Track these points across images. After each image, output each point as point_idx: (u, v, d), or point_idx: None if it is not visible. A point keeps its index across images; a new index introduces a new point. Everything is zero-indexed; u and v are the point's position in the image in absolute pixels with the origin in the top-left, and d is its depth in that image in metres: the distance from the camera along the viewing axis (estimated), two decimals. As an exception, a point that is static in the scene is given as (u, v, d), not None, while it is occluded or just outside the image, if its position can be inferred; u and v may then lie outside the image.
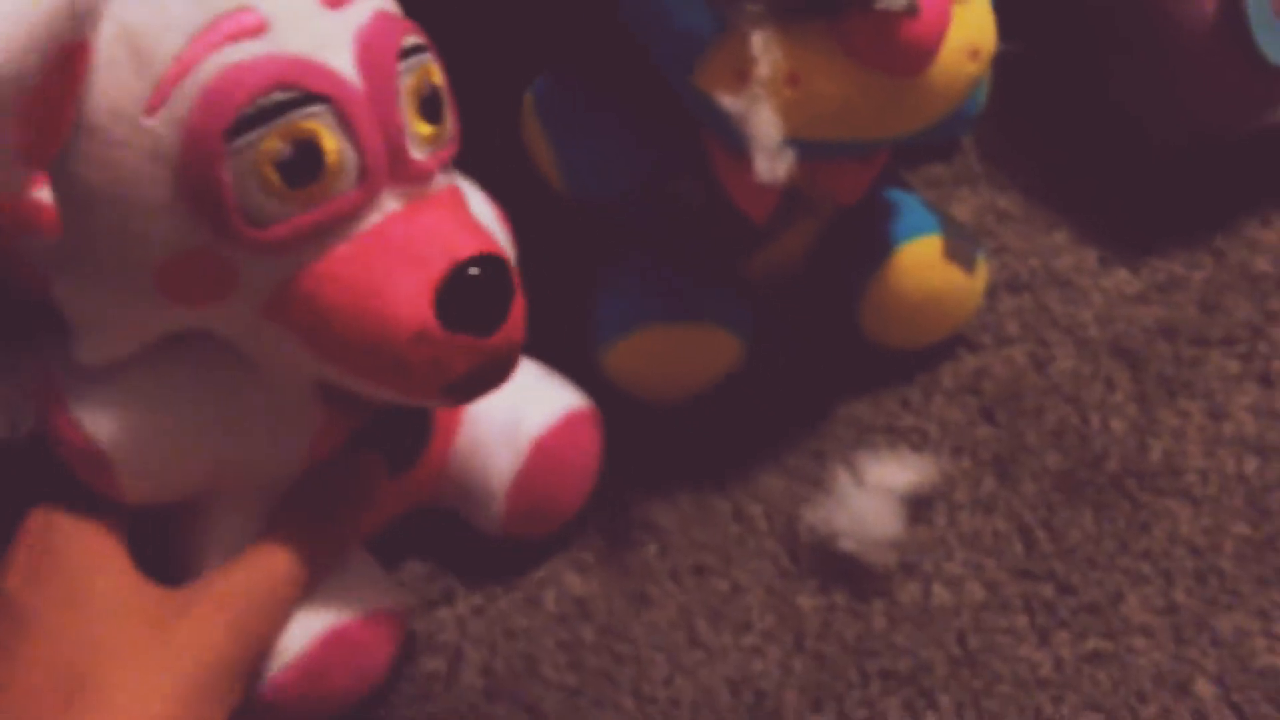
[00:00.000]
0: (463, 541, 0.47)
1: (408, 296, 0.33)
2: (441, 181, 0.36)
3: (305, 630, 0.39)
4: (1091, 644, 0.45)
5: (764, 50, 0.40)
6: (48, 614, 0.35)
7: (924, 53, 0.40)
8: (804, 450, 0.50)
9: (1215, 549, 0.47)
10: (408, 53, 0.34)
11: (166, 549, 0.40)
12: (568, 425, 0.45)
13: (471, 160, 0.40)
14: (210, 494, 0.39)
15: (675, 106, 0.43)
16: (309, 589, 0.39)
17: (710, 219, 0.48)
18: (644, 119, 0.46)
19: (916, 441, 0.50)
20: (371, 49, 0.33)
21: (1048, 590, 0.46)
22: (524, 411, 0.45)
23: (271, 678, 0.39)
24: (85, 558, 0.37)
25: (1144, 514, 0.48)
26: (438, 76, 0.36)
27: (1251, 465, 0.49)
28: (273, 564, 0.38)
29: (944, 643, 0.45)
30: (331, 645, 0.40)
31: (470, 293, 0.33)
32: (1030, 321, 0.54)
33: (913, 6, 0.39)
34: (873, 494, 0.47)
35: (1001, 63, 0.45)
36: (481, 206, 0.44)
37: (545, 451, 0.45)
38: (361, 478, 0.41)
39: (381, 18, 0.34)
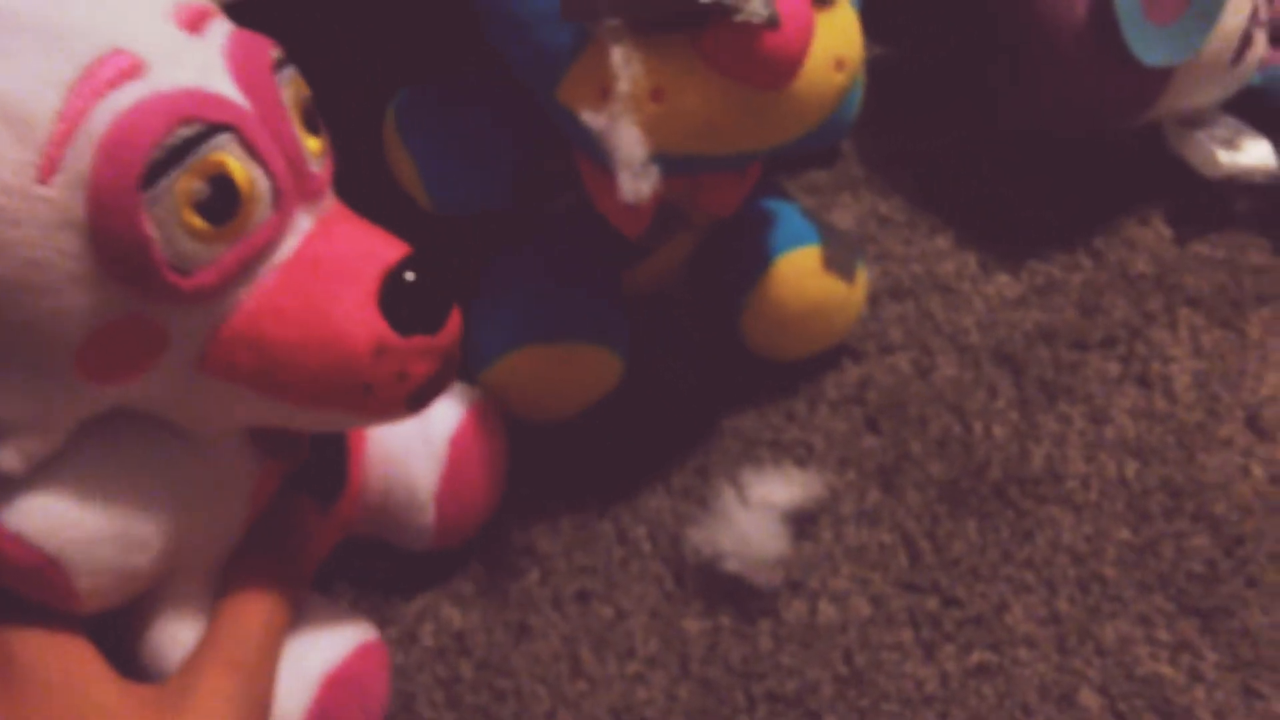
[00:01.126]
0: (336, 578, 0.45)
1: (354, 313, 0.32)
2: (331, 196, 0.35)
3: (302, 686, 0.38)
4: (977, 657, 0.45)
5: (625, 65, 0.38)
6: None
7: (788, 65, 0.39)
8: (688, 468, 0.49)
9: (1097, 555, 0.47)
10: (279, 65, 0.33)
11: (121, 632, 0.37)
12: (475, 416, 0.45)
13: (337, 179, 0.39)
14: (162, 579, 0.36)
15: (544, 121, 0.42)
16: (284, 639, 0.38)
17: (585, 234, 0.47)
18: (511, 133, 0.44)
19: (802, 455, 0.50)
20: (248, 69, 0.32)
21: (933, 603, 0.46)
22: (430, 416, 0.43)
23: None
24: (68, 674, 0.34)
25: (1027, 522, 0.48)
26: (306, 88, 0.34)
27: (1131, 469, 0.49)
28: (252, 622, 0.36)
29: (830, 661, 0.45)
30: (332, 691, 0.39)
31: (412, 295, 0.33)
32: (913, 329, 0.53)
33: (774, 18, 0.38)
34: (758, 512, 0.47)
35: (878, 67, 0.45)
36: None
37: (462, 447, 0.44)
38: (298, 519, 0.40)
39: (241, 36, 0.32)
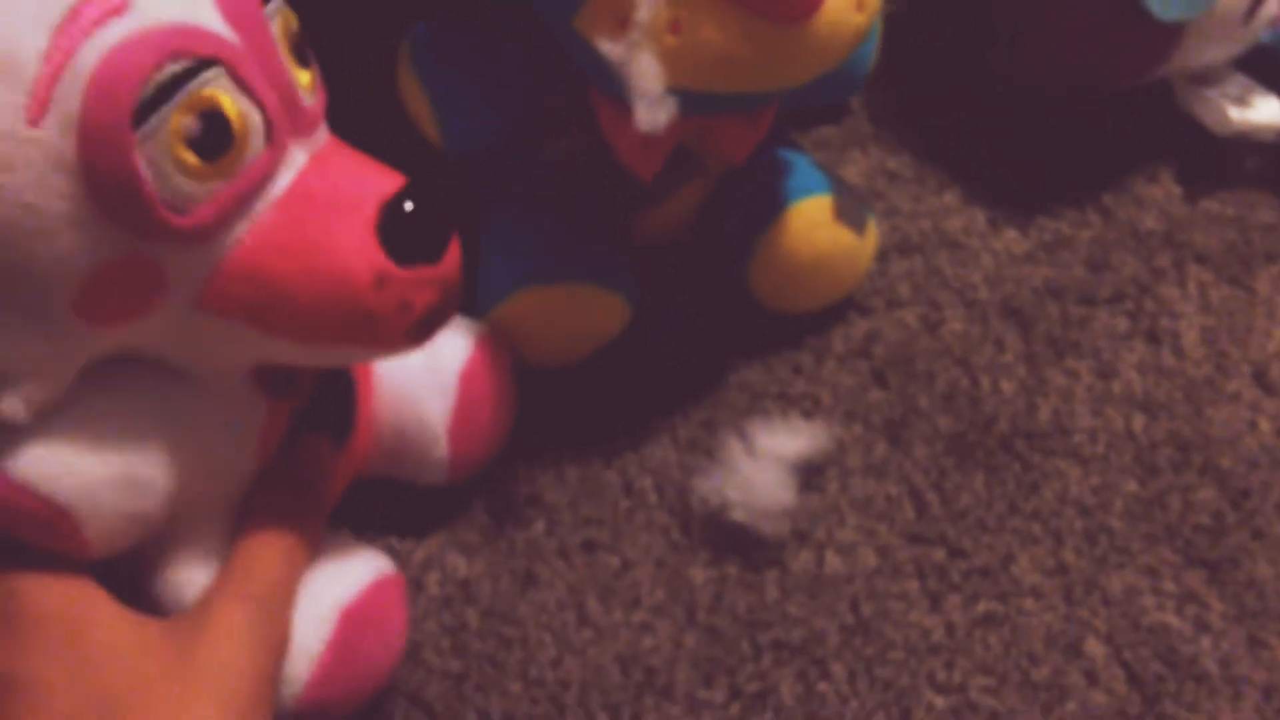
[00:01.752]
0: (340, 526, 0.44)
1: (353, 245, 0.31)
2: (325, 129, 0.34)
3: (318, 621, 0.38)
4: (983, 607, 0.45)
5: (644, -4, 0.38)
6: (55, 684, 0.32)
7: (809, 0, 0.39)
8: (695, 419, 0.49)
9: (1104, 508, 0.47)
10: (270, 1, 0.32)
11: (136, 579, 0.37)
12: (482, 349, 0.45)
13: (345, 117, 0.38)
14: (175, 516, 0.36)
15: (559, 58, 0.41)
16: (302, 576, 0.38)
17: (596, 177, 0.46)
18: (526, 71, 0.44)
19: (809, 408, 0.49)
20: (235, 2, 0.31)
21: (939, 554, 0.46)
22: (438, 350, 0.43)
23: (307, 681, 0.37)
24: (69, 614, 0.33)
25: (1034, 475, 0.47)
26: (295, 20, 0.34)
27: (1139, 423, 0.49)
28: (267, 557, 0.36)
29: (836, 611, 0.45)
30: (350, 625, 0.38)
31: (410, 224, 0.32)
32: (921, 284, 0.53)
33: (796, -46, 0.37)
34: (764, 462, 0.46)
35: (890, 23, 0.44)
36: None
37: (472, 380, 0.44)
38: (313, 456, 0.39)
39: None
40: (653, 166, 0.44)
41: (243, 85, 0.30)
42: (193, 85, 0.29)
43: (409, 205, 0.32)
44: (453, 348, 0.44)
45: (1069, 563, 0.46)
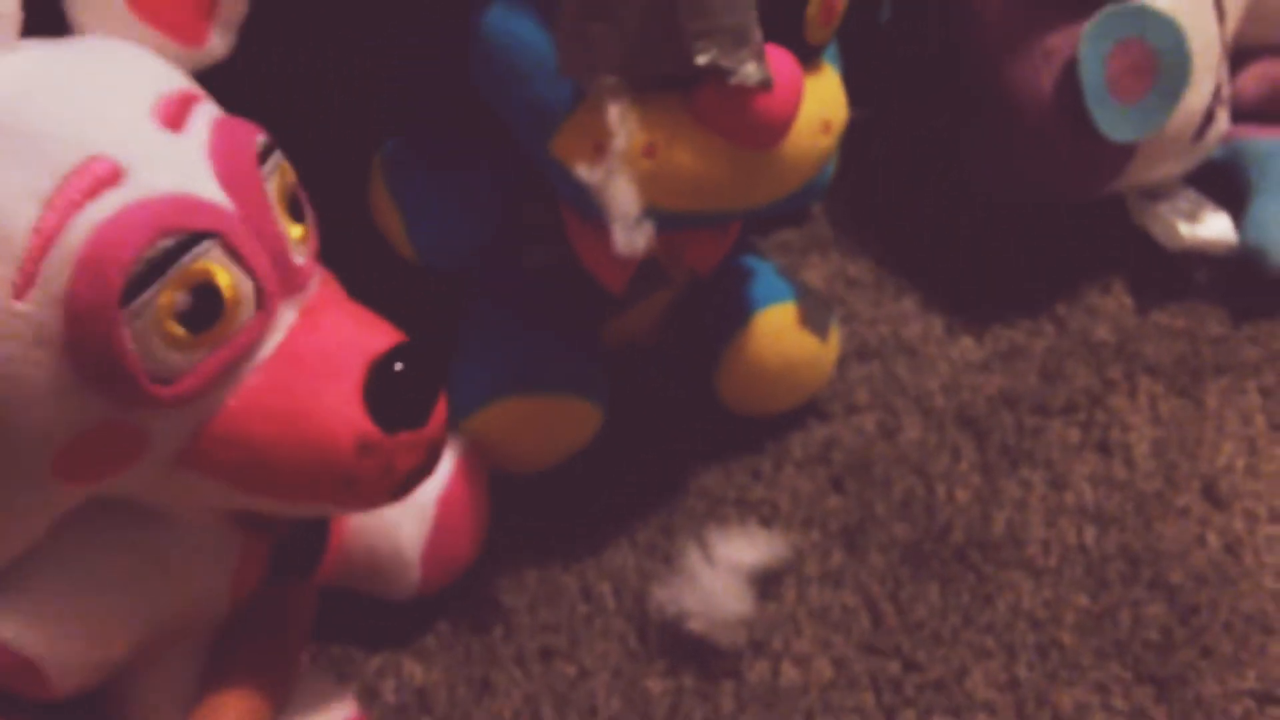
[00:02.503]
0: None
1: (338, 410, 0.31)
2: (317, 276, 0.34)
3: None
4: (938, 723, 0.45)
5: (620, 122, 0.38)
6: None
7: (778, 126, 0.40)
8: (654, 524, 0.49)
9: (1056, 621, 0.47)
10: (263, 156, 0.32)
11: (101, 710, 0.36)
12: (461, 471, 0.44)
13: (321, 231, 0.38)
14: (143, 656, 0.35)
15: (529, 174, 0.42)
16: None
17: (566, 287, 0.47)
18: (497, 185, 0.44)
19: (767, 514, 0.50)
20: (232, 165, 0.31)
21: (894, 667, 0.46)
22: None
23: None
24: None
25: (988, 586, 0.48)
26: (292, 172, 0.33)
27: (1090, 535, 0.49)
28: (236, 712, 0.35)
29: (793, 725, 0.45)
30: None
31: (398, 388, 0.32)
32: (879, 390, 0.54)
33: (767, 81, 0.38)
34: (722, 571, 0.46)
35: (851, 128, 0.45)
36: None
37: (451, 506, 0.44)
38: (287, 605, 0.39)
39: (225, 127, 0.31)
40: (622, 279, 0.44)
41: (236, 255, 0.30)
42: (185, 260, 0.28)
43: (398, 366, 0.32)
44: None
45: (1021, 677, 0.46)
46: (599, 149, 0.39)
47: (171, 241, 0.28)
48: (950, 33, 0.55)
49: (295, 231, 0.32)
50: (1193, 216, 0.57)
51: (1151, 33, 0.51)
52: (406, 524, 0.43)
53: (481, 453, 0.46)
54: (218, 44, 0.36)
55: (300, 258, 0.32)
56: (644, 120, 0.38)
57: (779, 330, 0.49)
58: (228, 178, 0.30)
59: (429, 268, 0.45)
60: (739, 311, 0.49)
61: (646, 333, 0.51)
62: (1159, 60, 0.52)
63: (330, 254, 0.43)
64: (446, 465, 0.44)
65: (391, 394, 0.32)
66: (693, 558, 0.47)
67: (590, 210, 0.40)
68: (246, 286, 0.30)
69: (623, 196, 0.39)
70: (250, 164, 0.31)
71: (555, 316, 0.47)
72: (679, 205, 0.41)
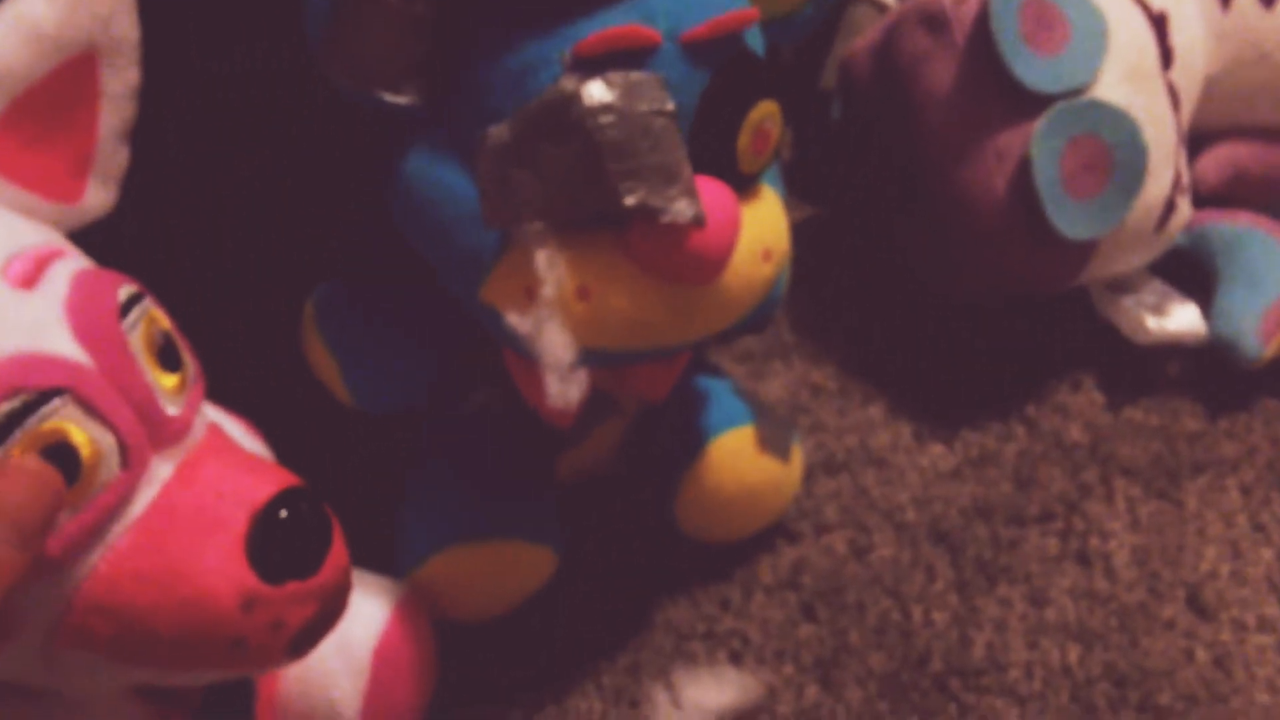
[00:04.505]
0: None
1: (217, 566, 0.29)
2: (200, 426, 0.32)
3: None
4: None
5: (549, 268, 0.37)
6: None
7: (715, 261, 0.38)
8: (620, 664, 0.47)
9: (1044, 750, 0.45)
10: (126, 307, 0.30)
11: None
12: (399, 621, 0.42)
13: (252, 379, 0.36)
14: None
15: (465, 316, 0.40)
16: None
17: (513, 426, 0.45)
18: (433, 328, 0.43)
19: (737, 646, 0.47)
20: (88, 318, 0.29)
21: (878, 809, 0.44)
22: (350, 624, 0.39)
23: None
24: None
25: (970, 717, 0.46)
26: (164, 320, 0.32)
27: (1074, 655, 0.47)
28: None
29: None
30: None
31: (284, 536, 0.30)
32: (848, 505, 0.52)
33: (699, 217, 0.37)
34: (691, 716, 0.44)
35: (807, 228, 0.44)
36: (237, 433, 0.40)
37: (387, 658, 0.41)
38: None
39: (84, 280, 0.30)
40: (569, 417, 0.43)
41: (92, 410, 0.28)
42: (32, 421, 0.27)
43: (283, 513, 0.30)
44: (366, 620, 0.41)
45: (1011, 814, 0.44)
46: (530, 294, 0.37)
47: (15, 403, 0.27)
48: (899, 134, 0.54)
49: (167, 382, 0.31)
50: (1159, 309, 0.55)
51: (1105, 128, 0.50)
52: (341, 680, 0.40)
53: (428, 602, 0.44)
54: (97, 198, 0.34)
55: (174, 408, 0.31)
56: (575, 262, 0.37)
57: (737, 457, 0.47)
58: (84, 332, 0.29)
59: (370, 413, 0.44)
60: (694, 439, 0.48)
61: (602, 463, 0.49)
62: (1114, 155, 0.51)
63: (268, 399, 0.41)
64: (381, 615, 0.42)
65: (277, 543, 0.30)
66: (660, 701, 0.45)
67: (527, 352, 0.38)
68: (107, 442, 0.28)
69: (556, 344, 0.37)
70: (109, 316, 0.29)
71: (503, 456, 0.46)
72: (619, 344, 0.39)
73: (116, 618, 0.29)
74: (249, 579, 0.29)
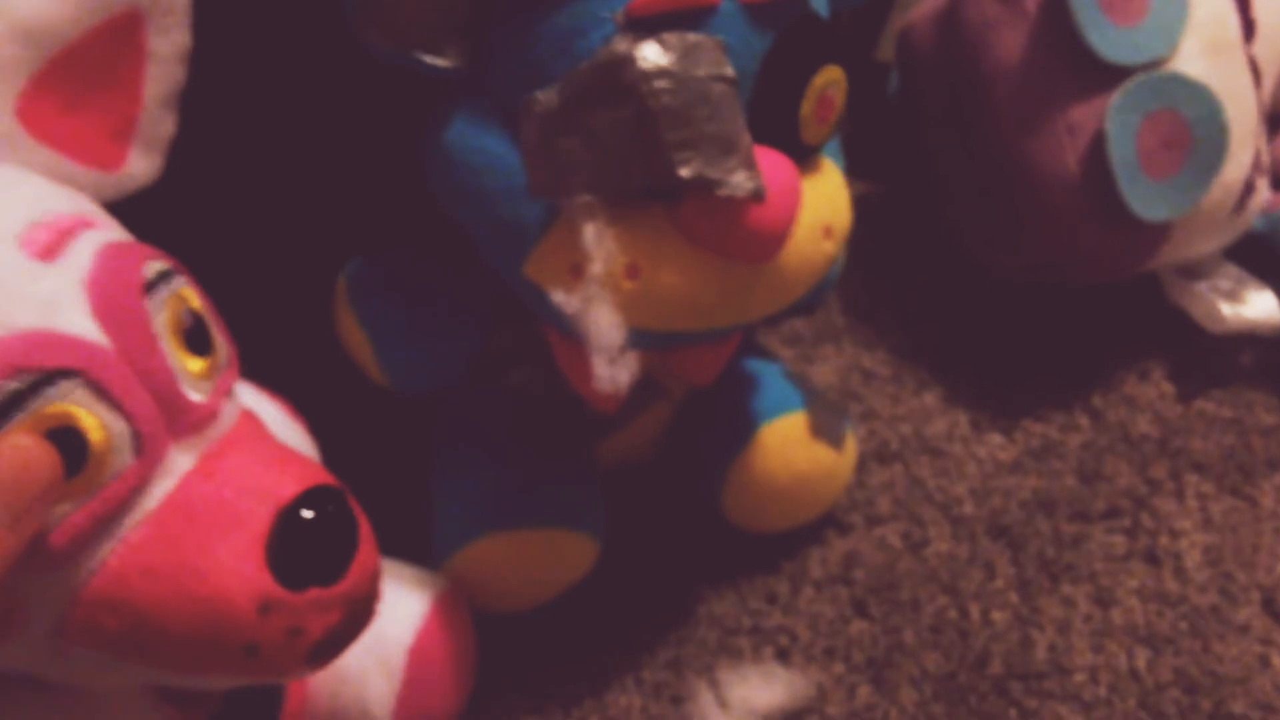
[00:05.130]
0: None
1: (234, 566, 0.27)
2: (229, 414, 0.30)
3: None
4: None
5: (597, 244, 0.35)
6: None
7: (774, 238, 0.36)
8: (661, 659, 0.45)
9: (1109, 760, 0.43)
10: (153, 285, 0.28)
11: None
12: (437, 618, 0.40)
13: (282, 356, 0.35)
14: None
15: (506, 293, 0.38)
16: None
17: (554, 408, 0.43)
18: (471, 305, 0.41)
19: (785, 644, 0.45)
20: (109, 295, 0.27)
21: (932, 818, 0.42)
22: (384, 621, 0.37)
23: None
24: None
25: (1032, 723, 0.43)
26: (195, 300, 0.30)
27: (1143, 659, 0.45)
28: None
29: None
30: None
31: (307, 539, 0.28)
32: (902, 497, 0.49)
33: (759, 191, 0.34)
34: (736, 715, 0.42)
35: (863, 205, 0.41)
36: (275, 418, 0.38)
37: (422, 657, 0.39)
38: None
39: (110, 253, 0.28)
40: (616, 401, 0.40)
41: (105, 394, 0.26)
42: (37, 403, 0.25)
43: (309, 513, 0.28)
44: (402, 615, 0.39)
45: (1073, 827, 0.41)
46: (576, 271, 0.35)
47: (19, 384, 0.25)
48: (963, 108, 0.51)
49: (194, 366, 0.29)
50: (1235, 295, 0.52)
51: (1184, 103, 0.48)
52: (374, 680, 0.39)
53: (465, 594, 0.42)
54: (139, 166, 0.33)
55: (199, 395, 0.29)
56: (624, 239, 0.35)
57: (788, 444, 0.45)
58: (103, 310, 0.27)
59: (403, 392, 0.42)
60: (744, 425, 0.45)
61: (644, 450, 0.47)
62: (1193, 132, 0.48)
63: (293, 378, 0.40)
64: (418, 611, 0.40)
65: (299, 546, 0.28)
66: (704, 700, 0.43)
67: (571, 333, 0.36)
68: (120, 429, 0.26)
69: (604, 325, 0.35)
70: (132, 294, 0.28)
71: (542, 441, 0.43)
72: (668, 326, 0.37)
73: (125, 614, 0.27)
74: (266, 582, 0.27)
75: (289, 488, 0.28)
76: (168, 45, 0.32)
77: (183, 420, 0.28)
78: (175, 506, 0.27)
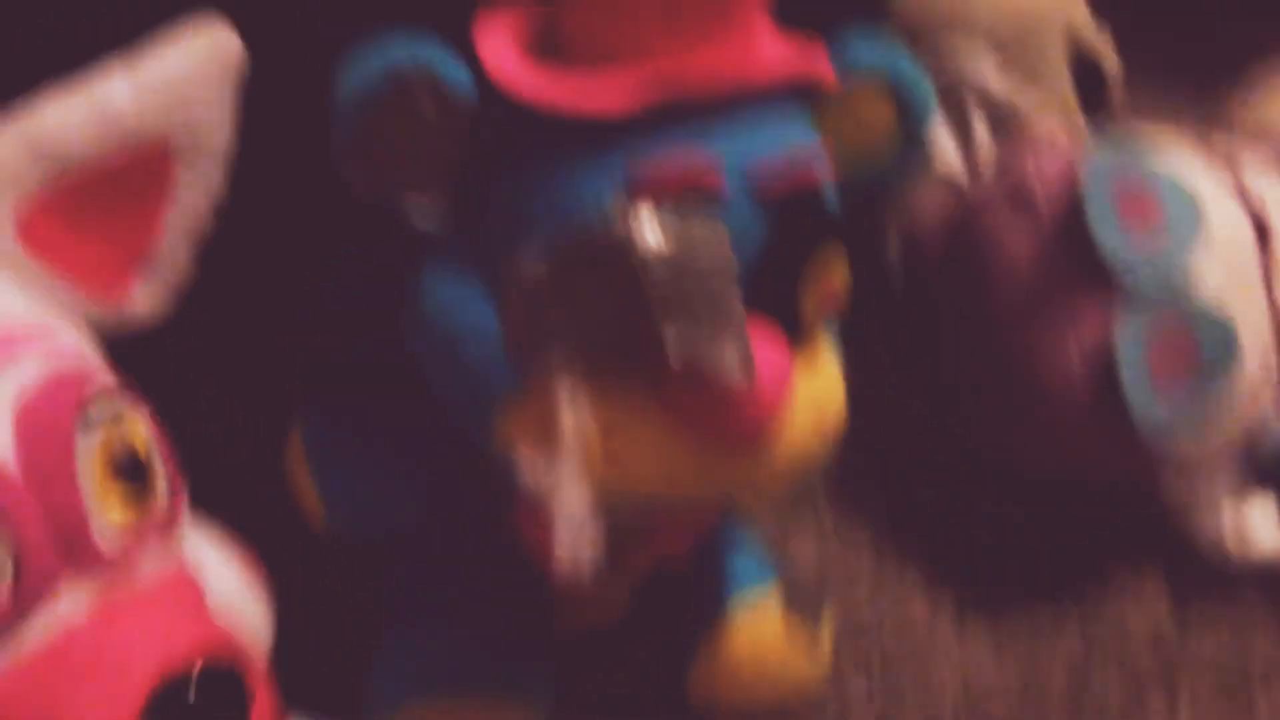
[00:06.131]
0: None
1: None
2: (154, 566, 0.29)
3: None
4: None
5: (572, 411, 0.33)
6: None
7: (759, 425, 0.34)
8: None
9: None
10: (92, 412, 0.27)
11: None
12: None
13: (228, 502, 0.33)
14: None
15: (466, 449, 0.37)
16: None
17: (507, 570, 0.41)
18: (428, 462, 0.39)
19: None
20: (36, 414, 0.26)
21: None
22: None
23: None
24: None
25: None
26: (141, 434, 0.29)
27: None
28: None
29: None
30: None
31: (189, 714, 0.26)
32: (877, 690, 0.47)
33: (749, 375, 0.33)
34: None
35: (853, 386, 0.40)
36: (225, 576, 0.36)
37: None
38: None
39: (52, 375, 0.27)
40: (577, 576, 0.38)
41: None
42: None
43: (192, 690, 0.26)
44: None
45: None
46: (547, 435, 0.33)
47: None
48: (969, 313, 0.51)
49: (115, 507, 0.28)
50: (1236, 506, 0.50)
51: (1197, 324, 0.46)
52: None
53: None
54: (143, 302, 0.32)
55: (110, 539, 0.27)
56: (600, 402, 0.33)
57: (760, 628, 0.43)
58: (25, 426, 0.26)
59: (347, 544, 0.41)
60: (713, 601, 0.43)
61: (608, 615, 0.45)
62: (1202, 353, 0.47)
63: (253, 519, 0.38)
64: None
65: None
66: None
67: (538, 500, 0.34)
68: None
69: (572, 497, 0.33)
70: (63, 415, 0.27)
71: (495, 601, 0.42)
72: (637, 498, 0.35)
73: None
74: None
75: (181, 654, 0.26)
76: (197, 185, 0.32)
77: (84, 561, 0.27)
78: (50, 650, 0.26)
